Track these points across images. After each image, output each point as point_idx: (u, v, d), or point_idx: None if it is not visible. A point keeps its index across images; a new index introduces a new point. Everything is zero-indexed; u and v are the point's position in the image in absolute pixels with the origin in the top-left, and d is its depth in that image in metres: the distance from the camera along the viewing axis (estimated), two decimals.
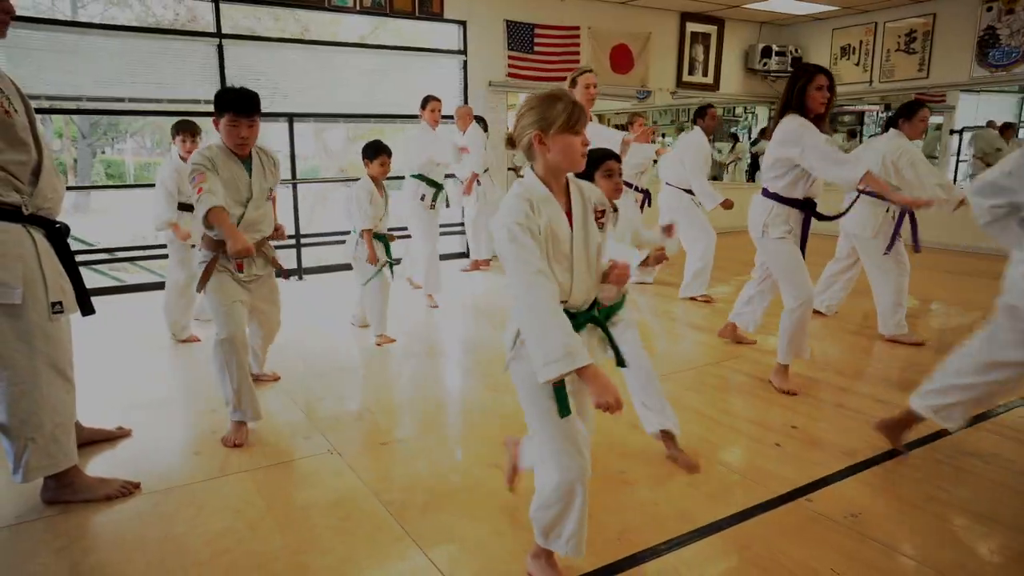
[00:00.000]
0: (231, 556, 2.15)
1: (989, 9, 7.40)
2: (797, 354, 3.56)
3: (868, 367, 4.03)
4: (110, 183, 16.66)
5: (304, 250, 6.63)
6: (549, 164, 1.75)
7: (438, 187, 5.44)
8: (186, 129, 4.33)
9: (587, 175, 2.55)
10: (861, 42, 8.75)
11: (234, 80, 6.16)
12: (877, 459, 2.82)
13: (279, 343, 3.72)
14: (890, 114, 4.60)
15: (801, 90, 3.32)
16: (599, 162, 2.59)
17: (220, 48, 6.05)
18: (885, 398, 3.49)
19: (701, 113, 5.48)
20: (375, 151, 4.27)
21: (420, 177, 5.38)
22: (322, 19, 7.01)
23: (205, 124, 4.62)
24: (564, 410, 1.74)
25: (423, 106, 5.48)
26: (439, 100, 5.54)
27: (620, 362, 2.00)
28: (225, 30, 6.16)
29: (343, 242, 6.87)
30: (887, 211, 4.30)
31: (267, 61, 6.37)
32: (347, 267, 6.88)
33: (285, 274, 3.26)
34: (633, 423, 2.89)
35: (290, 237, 6.47)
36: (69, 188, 13.57)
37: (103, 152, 17.71)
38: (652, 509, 2.41)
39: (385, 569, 2.08)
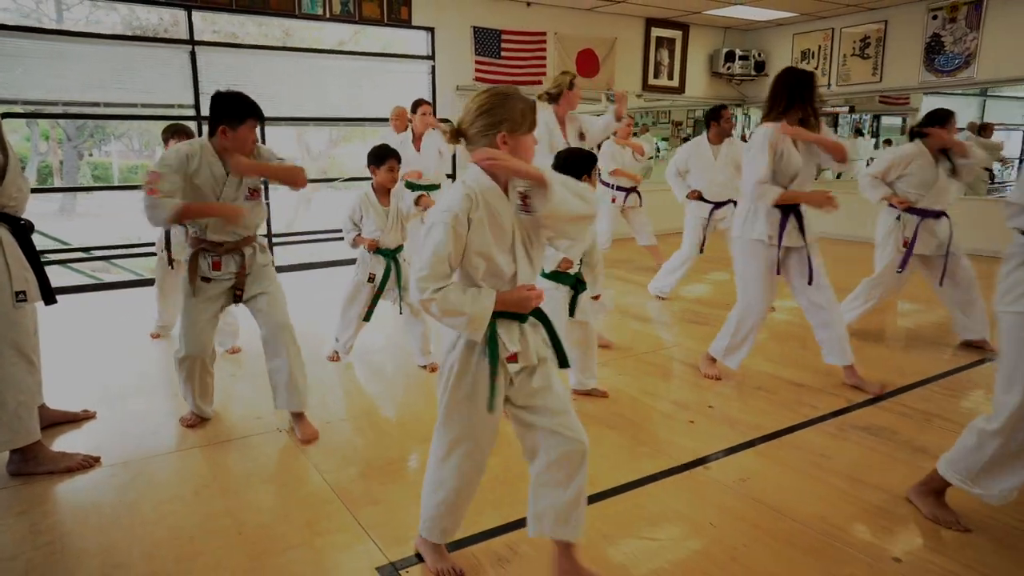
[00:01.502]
0: (176, 516, 2.40)
1: (934, 17, 7.72)
2: (723, 357, 3.79)
3: (794, 353, 4.30)
4: (95, 185, 16.82)
5: (283, 249, 6.87)
6: None
7: (416, 189, 5.51)
8: (181, 132, 4.30)
9: (577, 175, 2.85)
10: (820, 47, 9.07)
11: (208, 85, 6.40)
12: (777, 433, 3.10)
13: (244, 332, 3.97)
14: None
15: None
16: (592, 163, 2.98)
17: (193, 54, 6.28)
18: (803, 382, 3.77)
19: (715, 116, 5.27)
20: (382, 156, 3.79)
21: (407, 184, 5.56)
22: (305, 25, 7.25)
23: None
24: (492, 404, 1.85)
25: (413, 110, 5.63)
26: (429, 104, 5.69)
27: (563, 362, 1.97)
28: (208, 35, 6.38)
29: (320, 241, 7.25)
30: (897, 219, 4.31)
31: (240, 66, 6.61)
32: (324, 265, 7.15)
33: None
34: None
35: (262, 236, 6.67)
36: (55, 190, 13.83)
37: (90, 155, 17.86)
38: None
39: (312, 525, 2.34)
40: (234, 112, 2.78)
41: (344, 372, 3.99)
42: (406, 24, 7.27)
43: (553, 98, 4.31)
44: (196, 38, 6.36)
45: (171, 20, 7.99)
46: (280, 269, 7.05)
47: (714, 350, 3.84)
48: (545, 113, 4.36)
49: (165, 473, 2.73)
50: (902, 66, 8.18)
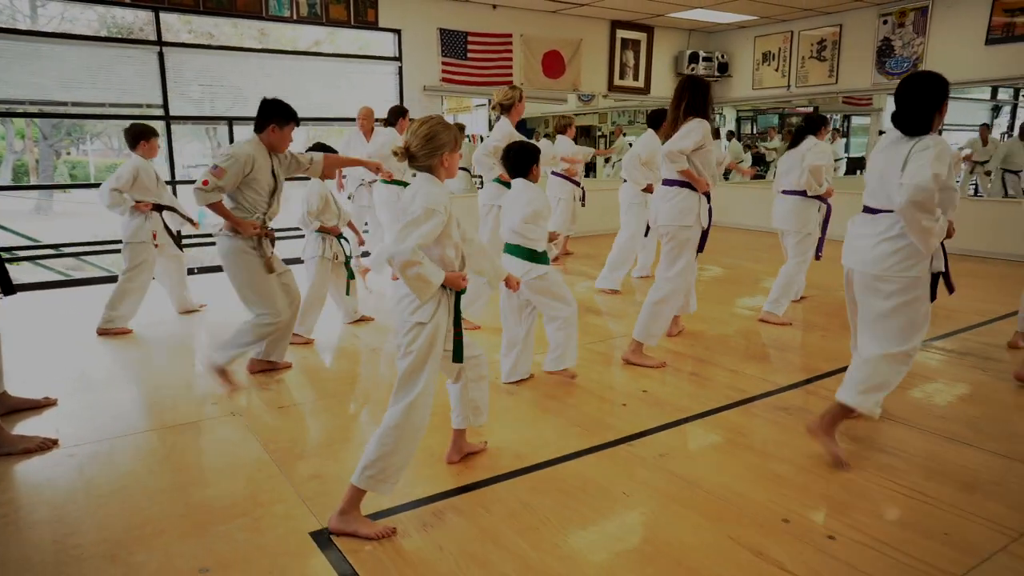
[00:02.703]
0: (129, 491, 2.57)
1: (885, 22, 8.01)
2: (647, 338, 4.04)
3: (733, 342, 4.53)
4: (70, 183, 16.77)
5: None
6: (447, 174, 2.38)
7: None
8: (149, 134, 4.70)
9: (528, 167, 3.48)
10: (780, 49, 9.34)
11: (184, 86, 6.54)
12: (702, 414, 3.31)
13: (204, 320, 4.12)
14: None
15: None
16: (538, 155, 3.50)
17: (161, 55, 6.41)
18: (737, 368, 3.99)
19: (658, 119, 5.77)
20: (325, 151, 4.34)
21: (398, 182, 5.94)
22: (280, 25, 7.36)
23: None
24: (458, 357, 2.42)
25: (403, 115, 6.17)
26: (408, 110, 6.33)
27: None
28: (184, 35, 6.51)
29: (295, 238, 7.41)
30: (818, 210, 5.03)
31: (216, 67, 6.75)
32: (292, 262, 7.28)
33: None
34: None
35: (207, 235, 6.71)
36: (27, 188, 13.79)
37: (68, 153, 17.79)
38: (492, 452, 2.88)
39: (254, 498, 2.52)
40: (284, 114, 3.52)
41: (296, 364, 4.16)
42: (373, 26, 7.43)
43: (505, 109, 4.63)
44: (173, 38, 6.51)
45: (146, 19, 8.10)
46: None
47: (642, 335, 4.04)
48: (506, 124, 4.62)
49: (121, 454, 2.90)
50: (856, 68, 8.47)
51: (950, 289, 2.78)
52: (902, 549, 2.18)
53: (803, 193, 4.93)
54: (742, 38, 9.80)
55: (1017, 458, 2.82)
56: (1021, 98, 11.52)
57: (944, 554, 2.15)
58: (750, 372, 3.94)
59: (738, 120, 12.12)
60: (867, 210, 2.80)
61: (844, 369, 3.92)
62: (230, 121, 6.72)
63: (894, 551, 2.17)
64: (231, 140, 6.74)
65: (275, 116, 3.49)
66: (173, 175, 6.57)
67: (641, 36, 9.50)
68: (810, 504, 2.47)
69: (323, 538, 2.26)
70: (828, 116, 9.94)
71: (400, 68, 7.74)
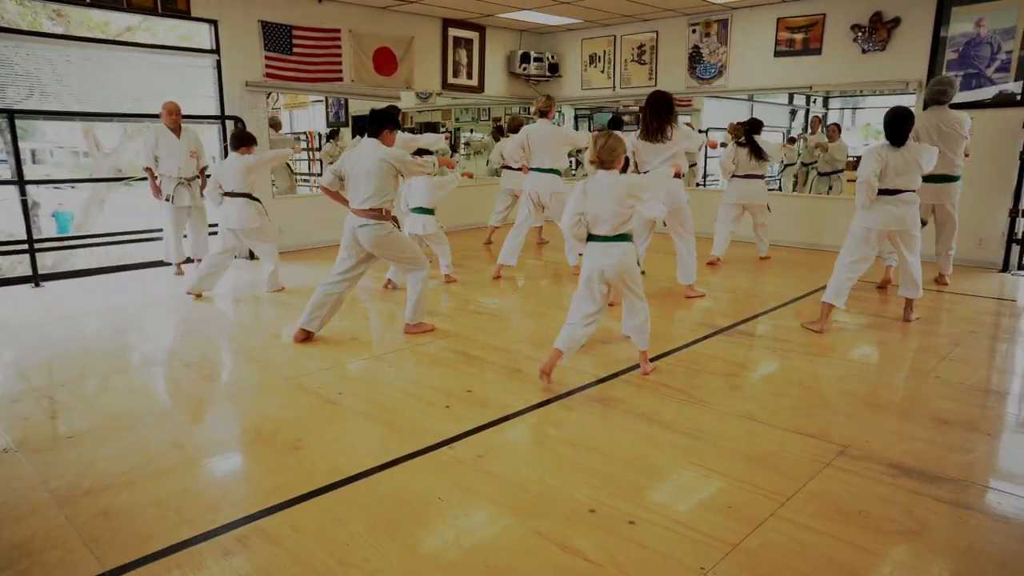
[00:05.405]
0: None
1: (694, 31, 8.67)
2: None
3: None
4: None
5: (71, 252, 6.29)
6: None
7: None
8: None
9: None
10: (605, 52, 9.81)
11: None
12: (523, 411, 3.39)
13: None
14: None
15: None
16: None
17: None
18: (561, 363, 4.12)
19: (617, 124, 7.74)
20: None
21: None
22: (89, 10, 6.56)
23: None
24: None
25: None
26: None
27: None
28: None
29: (122, 243, 6.87)
30: None
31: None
32: (95, 272, 6.63)
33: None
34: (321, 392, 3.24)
35: (22, 242, 6.11)
36: None
37: None
38: (309, 467, 2.77)
39: (23, 546, 2.24)
40: (395, 122, 4.46)
41: (85, 387, 3.79)
42: (184, 15, 6.90)
43: (543, 114, 6.09)
44: None
45: None
46: (79, 273, 6.56)
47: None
48: (545, 123, 6.18)
49: None
50: (672, 73, 9.09)
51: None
52: (691, 525, 2.36)
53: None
54: (570, 40, 10.19)
55: (794, 429, 3.16)
56: (811, 103, 12.95)
57: (725, 525, 2.35)
58: (572, 366, 4.08)
59: (576, 117, 12.61)
60: (891, 192, 4.49)
61: (660, 356, 4.26)
62: (11, 114, 5.93)
63: (685, 528, 2.34)
64: (13, 137, 5.96)
65: (389, 123, 4.40)
66: None
67: (474, 35, 9.58)
68: (615, 492, 2.60)
69: None
70: None
71: (218, 62, 7.25)
